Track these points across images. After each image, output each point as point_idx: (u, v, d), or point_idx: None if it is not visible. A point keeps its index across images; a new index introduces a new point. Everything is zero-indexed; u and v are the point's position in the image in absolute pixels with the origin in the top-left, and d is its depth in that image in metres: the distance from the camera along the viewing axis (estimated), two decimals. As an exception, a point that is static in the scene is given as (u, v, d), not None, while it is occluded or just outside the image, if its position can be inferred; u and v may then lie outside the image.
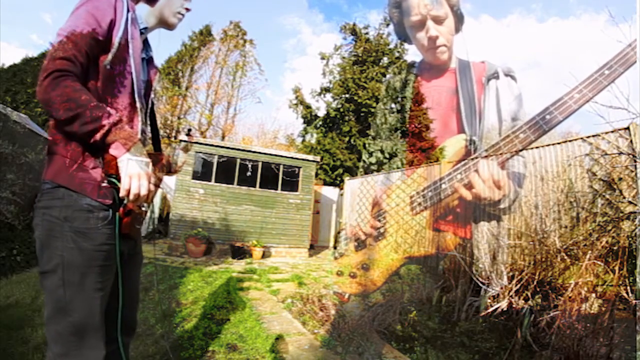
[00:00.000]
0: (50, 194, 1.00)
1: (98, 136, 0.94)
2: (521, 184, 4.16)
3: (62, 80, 0.91)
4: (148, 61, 1.31)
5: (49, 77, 0.91)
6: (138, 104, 1.16)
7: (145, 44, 1.30)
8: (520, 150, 4.25)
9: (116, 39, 1.06)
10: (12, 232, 4.86)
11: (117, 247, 1.05)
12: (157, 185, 1.13)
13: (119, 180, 0.99)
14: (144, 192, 0.98)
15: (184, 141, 7.85)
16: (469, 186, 4.75)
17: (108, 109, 0.97)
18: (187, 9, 1.31)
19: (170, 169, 1.26)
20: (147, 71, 1.29)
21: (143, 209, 1.09)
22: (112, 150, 0.97)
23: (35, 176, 6.03)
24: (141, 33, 1.22)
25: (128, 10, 1.11)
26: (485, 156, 4.66)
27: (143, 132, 1.23)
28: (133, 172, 0.96)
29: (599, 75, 3.96)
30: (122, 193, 0.98)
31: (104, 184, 1.02)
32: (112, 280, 1.09)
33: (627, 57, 3.85)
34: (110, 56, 1.05)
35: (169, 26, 1.30)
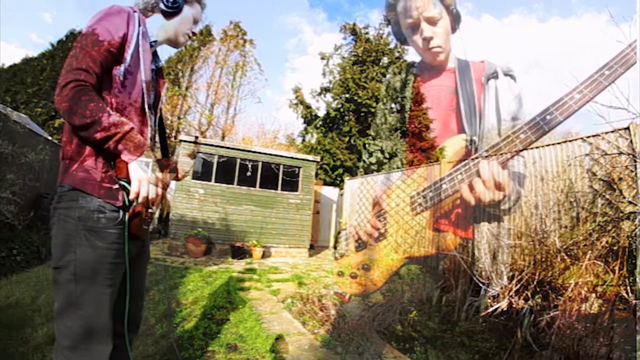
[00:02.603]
0: (66, 196, 1.07)
1: (111, 143, 1.03)
2: (522, 184, 4.16)
3: (79, 90, 0.99)
4: (157, 72, 1.38)
5: (67, 86, 0.99)
6: (148, 113, 1.24)
7: (155, 56, 1.38)
8: (521, 151, 4.25)
9: (128, 52, 1.14)
10: (12, 232, 4.86)
11: (126, 246, 1.11)
12: (164, 189, 1.20)
13: (129, 183, 1.07)
14: (152, 195, 1.08)
15: (186, 141, 7.85)
16: (471, 188, 4.76)
17: (120, 117, 1.05)
18: (194, 33, 1.41)
19: (177, 175, 1.31)
20: (155, 81, 1.37)
21: (150, 211, 1.16)
22: (124, 156, 1.05)
23: (35, 176, 6.04)
24: (151, 46, 1.29)
25: (139, 25, 1.19)
26: (486, 156, 4.66)
27: (152, 139, 1.32)
28: (142, 176, 1.05)
29: (599, 75, 3.96)
30: (131, 196, 1.06)
31: (115, 187, 1.10)
32: (121, 278, 1.14)
33: (627, 58, 3.85)
34: (122, 67, 1.13)
35: (176, 44, 1.39)
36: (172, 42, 1.37)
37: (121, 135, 1.03)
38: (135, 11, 1.20)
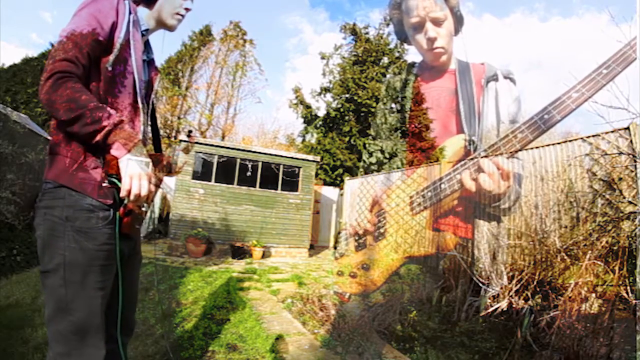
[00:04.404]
0: (51, 193, 1.01)
1: (99, 137, 0.95)
2: (520, 184, 4.16)
3: (64, 81, 0.92)
4: (149, 63, 1.32)
5: (51, 78, 0.92)
6: (139, 105, 1.18)
7: (147, 46, 1.31)
8: (519, 150, 4.25)
9: (118, 41, 1.07)
10: (12, 232, 4.86)
11: (117, 246, 1.06)
12: (157, 186, 1.14)
13: (119, 180, 1.00)
14: (144, 192, 0.99)
15: (184, 141, 7.85)
16: (474, 179, 4.75)
17: (109, 109, 0.98)
18: (187, 9, 1.30)
19: (170, 170, 1.27)
20: (148, 73, 1.31)
21: (143, 209, 1.09)
22: (114, 151, 0.98)
23: (35, 176, 6.04)
24: (142, 35, 1.23)
25: (130, 13, 1.13)
26: (484, 156, 4.66)
27: (144, 132, 1.24)
28: (134, 172, 0.97)
29: (597, 74, 3.96)
30: (122, 193, 0.99)
31: (104, 184, 1.03)
32: (113, 280, 1.10)
33: (625, 56, 3.85)
34: (111, 58, 1.06)
35: (169, 27, 1.29)
36: (163, 25, 1.28)
37: (110, 129, 0.95)
38: None
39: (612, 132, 3.24)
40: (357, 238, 7.18)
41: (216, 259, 6.60)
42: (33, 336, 2.33)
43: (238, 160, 7.93)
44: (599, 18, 36.50)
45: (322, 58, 13.98)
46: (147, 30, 1.25)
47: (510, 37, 37.30)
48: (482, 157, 4.69)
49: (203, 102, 18.98)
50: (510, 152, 4.31)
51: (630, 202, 2.83)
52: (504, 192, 4.31)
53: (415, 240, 5.69)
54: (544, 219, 3.47)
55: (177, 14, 1.27)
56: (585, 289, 2.65)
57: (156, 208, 9.33)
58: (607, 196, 3.08)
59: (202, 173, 8.52)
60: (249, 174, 7.95)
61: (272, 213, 7.95)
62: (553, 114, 4.20)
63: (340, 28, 13.93)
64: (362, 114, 12.67)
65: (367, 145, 10.36)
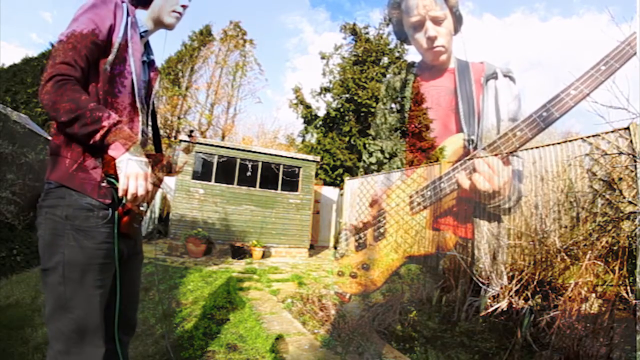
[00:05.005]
0: (53, 193, 1.03)
1: (97, 137, 0.97)
2: (521, 181, 4.16)
3: (64, 83, 0.95)
4: (149, 64, 1.33)
5: (51, 81, 0.94)
6: (139, 105, 1.19)
7: (147, 47, 1.32)
8: (518, 148, 4.25)
9: (116, 43, 1.09)
10: (12, 232, 4.86)
11: (116, 245, 1.07)
12: (156, 186, 1.14)
13: (118, 180, 1.01)
14: (142, 192, 1.00)
15: (185, 141, 7.85)
16: (469, 177, 4.77)
17: (108, 110, 1.00)
18: (184, 6, 1.29)
19: (170, 170, 1.27)
20: (148, 73, 1.31)
21: (142, 208, 1.10)
22: (111, 151, 0.99)
23: (35, 176, 6.03)
24: (141, 36, 1.23)
25: (128, 15, 1.14)
26: (482, 156, 4.66)
27: (144, 133, 1.25)
28: (131, 172, 0.99)
29: (595, 71, 3.96)
30: (120, 193, 1.00)
31: (103, 184, 1.05)
32: (112, 279, 1.11)
33: (623, 53, 3.85)
34: (110, 59, 1.08)
35: (167, 26, 1.29)
36: (162, 25, 1.28)
37: (107, 129, 0.97)
38: (123, 1, 1.15)
39: (612, 132, 3.24)
40: (357, 238, 7.17)
41: (216, 259, 6.60)
42: (33, 336, 2.33)
43: (238, 160, 7.93)
44: (599, 18, 36.49)
45: (322, 58, 13.98)
46: (146, 31, 1.26)
47: (511, 37, 37.34)
48: (477, 158, 4.70)
49: (203, 102, 19.01)
50: (508, 152, 4.31)
51: (630, 202, 2.83)
52: (503, 191, 4.31)
53: (415, 240, 5.69)
54: (544, 219, 3.47)
55: (174, 11, 1.27)
56: (585, 289, 2.65)
57: (156, 208, 9.33)
58: (607, 196, 3.08)
59: (202, 173, 8.52)
60: (249, 174, 7.95)
61: (272, 213, 7.95)
62: (552, 112, 4.20)
63: (341, 28, 13.94)
64: (362, 114, 12.66)
65: (367, 145, 10.36)
